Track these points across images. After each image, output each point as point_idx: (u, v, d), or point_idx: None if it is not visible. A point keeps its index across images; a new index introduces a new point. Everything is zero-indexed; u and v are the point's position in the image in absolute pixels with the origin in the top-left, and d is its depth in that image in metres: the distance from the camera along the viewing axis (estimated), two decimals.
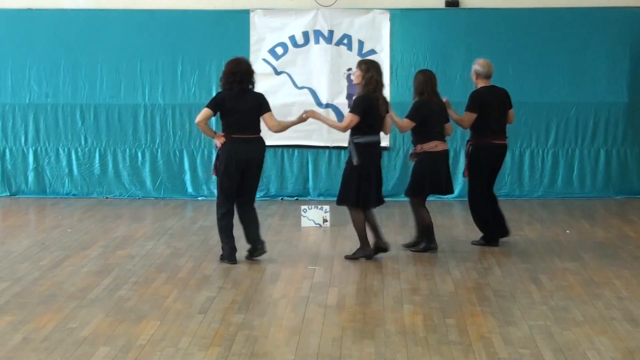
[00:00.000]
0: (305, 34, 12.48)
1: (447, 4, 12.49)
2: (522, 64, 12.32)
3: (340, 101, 12.50)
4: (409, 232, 10.38)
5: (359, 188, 9.00)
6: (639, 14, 12.41)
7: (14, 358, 6.26)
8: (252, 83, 8.89)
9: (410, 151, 9.70)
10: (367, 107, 8.86)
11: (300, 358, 6.26)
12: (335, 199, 12.33)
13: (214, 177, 9.07)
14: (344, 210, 11.75)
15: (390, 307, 7.41)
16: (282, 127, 9.17)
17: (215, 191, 12.53)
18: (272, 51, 12.51)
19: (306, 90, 12.51)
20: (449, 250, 9.41)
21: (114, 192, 12.75)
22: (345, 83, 12.48)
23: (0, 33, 12.63)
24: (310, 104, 12.45)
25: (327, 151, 12.62)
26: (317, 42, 12.47)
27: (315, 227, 10.63)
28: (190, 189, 12.72)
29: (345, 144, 12.36)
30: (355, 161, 8.96)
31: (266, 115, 8.91)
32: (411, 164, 12.47)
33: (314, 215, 10.70)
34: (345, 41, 12.46)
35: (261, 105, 8.89)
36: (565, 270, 8.60)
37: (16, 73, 12.66)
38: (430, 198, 12.30)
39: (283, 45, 12.49)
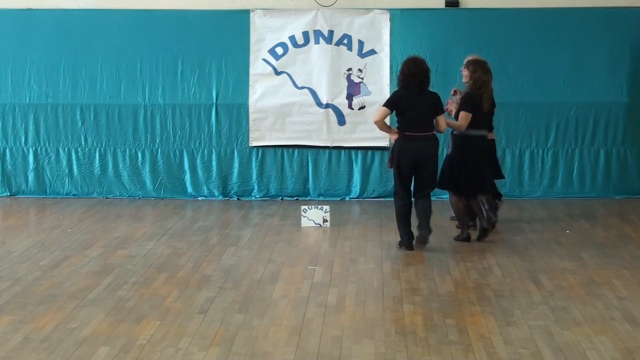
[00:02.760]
0: (305, 34, 12.48)
1: (447, 4, 12.48)
2: (522, 64, 12.31)
3: (340, 101, 12.50)
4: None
5: (451, 175, 9.75)
6: (639, 14, 12.41)
7: (14, 358, 6.27)
8: (429, 83, 9.38)
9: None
10: (474, 103, 9.57)
11: (300, 358, 6.26)
12: (334, 198, 12.46)
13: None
14: (344, 210, 11.79)
15: (390, 307, 7.41)
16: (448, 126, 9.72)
17: (216, 192, 12.69)
18: (272, 51, 12.50)
19: (306, 90, 12.50)
20: (449, 250, 9.41)
21: (114, 192, 12.74)
22: (345, 83, 12.48)
23: (0, 33, 12.63)
24: (310, 104, 12.47)
25: (327, 151, 12.61)
26: (317, 42, 12.46)
27: (315, 227, 10.63)
28: (190, 189, 12.71)
29: (345, 145, 12.52)
30: (450, 151, 9.86)
31: (440, 117, 9.37)
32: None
33: (314, 215, 10.70)
34: (345, 41, 12.45)
35: (436, 106, 9.34)
36: (565, 270, 8.60)
37: (16, 73, 12.66)
38: (434, 197, 12.38)
39: (283, 45, 12.49)
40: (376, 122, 9.42)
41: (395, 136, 9.37)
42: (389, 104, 9.36)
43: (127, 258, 9.13)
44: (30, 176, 12.80)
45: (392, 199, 12.41)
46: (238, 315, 7.17)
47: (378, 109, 9.64)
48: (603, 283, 8.12)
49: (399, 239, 9.52)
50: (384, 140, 12.48)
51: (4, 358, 6.25)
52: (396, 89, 9.56)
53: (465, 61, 9.95)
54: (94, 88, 12.63)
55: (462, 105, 9.64)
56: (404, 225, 9.43)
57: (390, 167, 9.52)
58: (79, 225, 10.82)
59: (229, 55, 12.56)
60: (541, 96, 12.43)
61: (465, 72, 9.82)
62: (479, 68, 9.65)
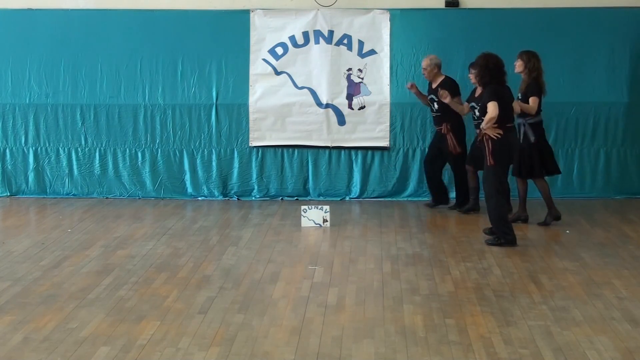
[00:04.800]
0: (305, 34, 12.48)
1: (447, 4, 12.48)
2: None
3: (340, 101, 12.50)
4: (409, 232, 10.39)
5: (540, 160, 10.45)
6: (639, 14, 12.41)
7: (14, 358, 6.27)
8: None
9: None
10: (540, 89, 10.31)
11: (300, 358, 6.26)
12: (334, 198, 12.44)
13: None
14: (344, 210, 11.79)
15: (390, 307, 7.41)
16: None
17: (216, 192, 12.68)
18: (272, 51, 12.50)
19: (306, 90, 12.50)
20: (448, 250, 9.41)
21: (114, 192, 12.75)
22: (345, 83, 12.47)
23: (0, 33, 12.63)
24: (310, 104, 12.47)
25: (327, 151, 12.61)
26: (317, 42, 12.46)
27: (315, 227, 10.63)
28: (190, 189, 12.71)
29: (345, 145, 12.51)
30: (532, 139, 10.34)
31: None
32: (411, 163, 12.58)
33: (314, 215, 10.70)
34: (345, 41, 12.45)
35: (512, 95, 9.88)
36: (565, 270, 8.60)
37: (16, 73, 12.66)
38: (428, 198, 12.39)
39: (283, 45, 12.49)
40: (496, 116, 9.30)
41: (498, 131, 9.34)
42: (497, 99, 9.38)
43: (127, 258, 9.13)
44: (30, 176, 12.80)
45: (392, 199, 12.51)
46: (238, 315, 7.17)
47: (491, 106, 9.31)
48: (603, 283, 8.12)
49: (499, 240, 9.51)
50: (384, 140, 12.49)
51: (4, 358, 6.25)
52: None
53: (521, 53, 10.51)
54: (94, 88, 12.63)
55: (534, 91, 10.25)
56: (509, 224, 9.63)
57: (494, 164, 9.40)
58: (79, 225, 10.82)
59: (229, 55, 12.56)
60: None
61: (519, 63, 10.41)
62: (532, 57, 10.36)
